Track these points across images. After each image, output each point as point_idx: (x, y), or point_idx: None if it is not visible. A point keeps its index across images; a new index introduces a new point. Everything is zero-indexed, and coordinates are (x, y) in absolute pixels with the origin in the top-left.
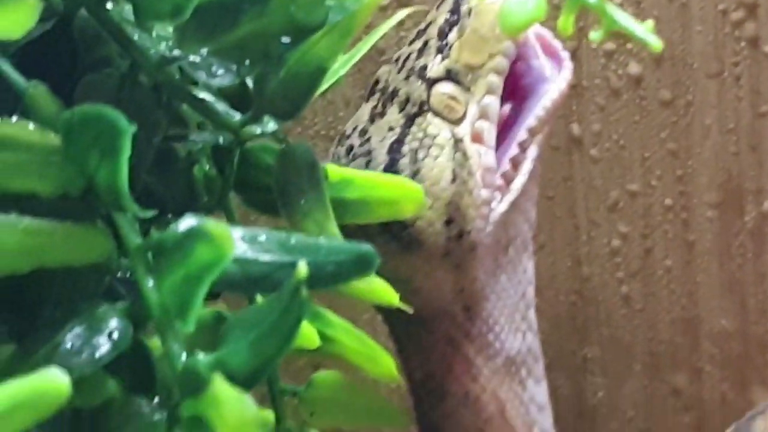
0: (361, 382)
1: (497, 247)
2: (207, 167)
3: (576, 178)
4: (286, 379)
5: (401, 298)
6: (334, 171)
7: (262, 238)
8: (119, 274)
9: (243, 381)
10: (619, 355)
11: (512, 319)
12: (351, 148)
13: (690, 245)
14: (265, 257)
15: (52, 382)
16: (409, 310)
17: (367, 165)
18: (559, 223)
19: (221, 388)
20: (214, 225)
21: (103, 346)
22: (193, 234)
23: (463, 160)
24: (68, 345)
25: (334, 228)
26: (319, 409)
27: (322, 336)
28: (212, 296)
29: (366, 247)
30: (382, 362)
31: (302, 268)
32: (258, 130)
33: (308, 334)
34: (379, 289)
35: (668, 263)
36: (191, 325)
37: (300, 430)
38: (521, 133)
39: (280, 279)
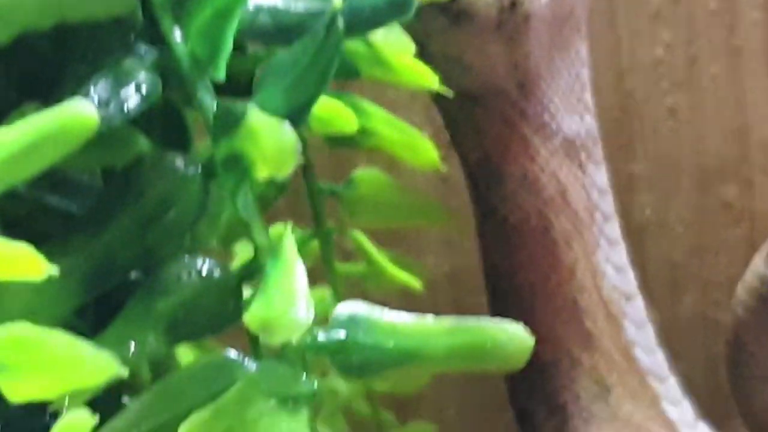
0: None
1: (551, 23)
2: None
3: None
4: None
5: (452, 77)
6: None
7: None
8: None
9: None
10: (666, 170)
11: (568, 100)
12: None
13: (736, 50)
14: (298, 6)
15: (79, 113)
16: (449, 94)
17: None
18: (600, 35)
19: (257, 117)
20: None
21: (132, 98)
22: None
23: None
24: (95, 97)
25: None
26: (359, 207)
27: (361, 128)
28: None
29: None
30: (424, 150)
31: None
32: None
33: (345, 117)
34: (419, 72)
35: (714, 71)
36: (222, 71)
37: (340, 231)
38: None
39: (314, 28)
